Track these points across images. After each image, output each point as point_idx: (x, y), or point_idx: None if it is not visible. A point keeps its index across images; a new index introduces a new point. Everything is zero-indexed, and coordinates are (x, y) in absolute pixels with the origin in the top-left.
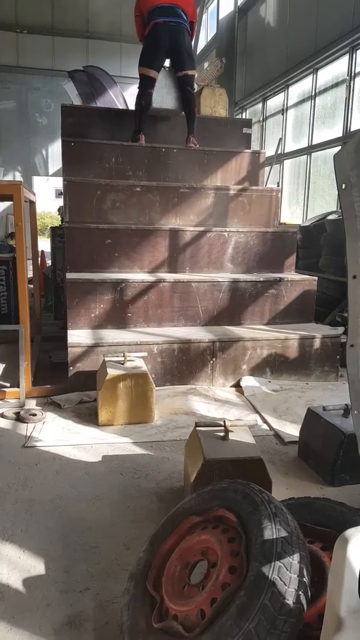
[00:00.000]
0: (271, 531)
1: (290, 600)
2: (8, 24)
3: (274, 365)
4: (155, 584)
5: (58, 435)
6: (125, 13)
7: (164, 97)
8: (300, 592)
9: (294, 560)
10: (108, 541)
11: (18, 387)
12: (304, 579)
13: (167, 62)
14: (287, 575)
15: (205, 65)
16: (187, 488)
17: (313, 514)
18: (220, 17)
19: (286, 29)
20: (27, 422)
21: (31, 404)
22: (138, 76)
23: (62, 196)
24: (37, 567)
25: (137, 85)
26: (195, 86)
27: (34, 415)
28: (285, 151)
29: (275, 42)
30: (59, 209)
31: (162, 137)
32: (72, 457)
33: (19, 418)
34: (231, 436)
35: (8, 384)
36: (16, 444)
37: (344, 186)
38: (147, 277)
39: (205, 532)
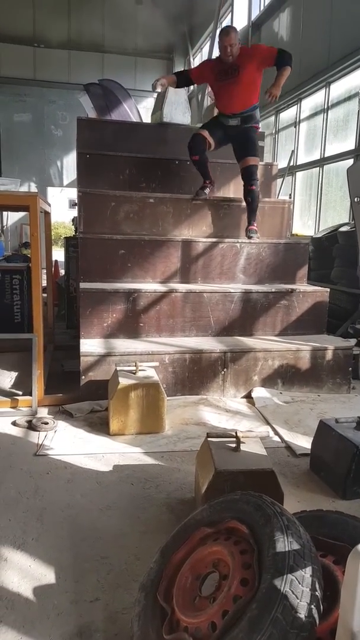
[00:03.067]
0: (283, 544)
1: (302, 614)
2: (26, 39)
3: (286, 376)
4: (166, 595)
5: (69, 444)
6: (141, 28)
7: (172, 112)
8: (312, 606)
9: (306, 573)
10: (118, 551)
11: (30, 395)
12: (317, 593)
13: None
14: (299, 588)
15: None
16: (198, 499)
17: (325, 527)
18: None
19: (299, 43)
20: (38, 431)
21: (43, 412)
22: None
23: (77, 207)
24: (47, 576)
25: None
26: (209, 100)
27: (46, 423)
28: (298, 163)
29: None
30: (72, 220)
31: (174, 150)
32: (83, 466)
33: (31, 426)
34: (243, 447)
35: (20, 392)
36: (28, 452)
37: (357, 199)
38: (159, 287)
39: (217, 544)
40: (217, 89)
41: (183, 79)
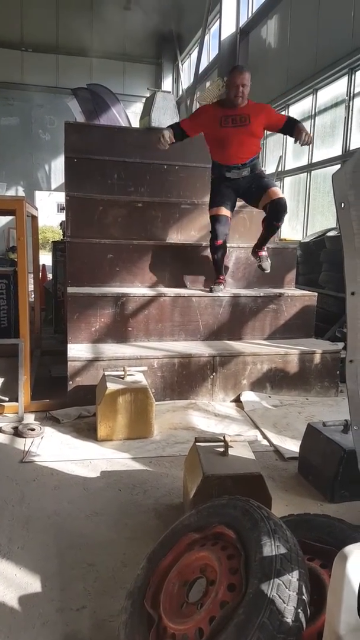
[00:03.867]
0: (270, 548)
1: (289, 619)
2: (14, 42)
3: (274, 380)
4: (153, 602)
5: (56, 450)
6: (129, 33)
7: (160, 117)
8: (299, 610)
9: (293, 577)
10: (105, 558)
11: (17, 401)
12: (303, 597)
13: (165, 87)
14: (286, 592)
15: (207, 84)
16: (186, 504)
17: (312, 531)
18: (222, 38)
19: (287, 50)
20: (25, 437)
21: (30, 418)
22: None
23: (64, 211)
24: (33, 584)
25: None
26: (197, 104)
27: (33, 430)
28: (286, 169)
29: (275, 63)
30: (60, 224)
31: (162, 154)
32: (71, 473)
33: (17, 433)
34: (231, 452)
35: (7, 398)
36: (14, 459)
37: (342, 205)
38: (147, 292)
39: (204, 549)
40: (221, 136)
41: (179, 135)
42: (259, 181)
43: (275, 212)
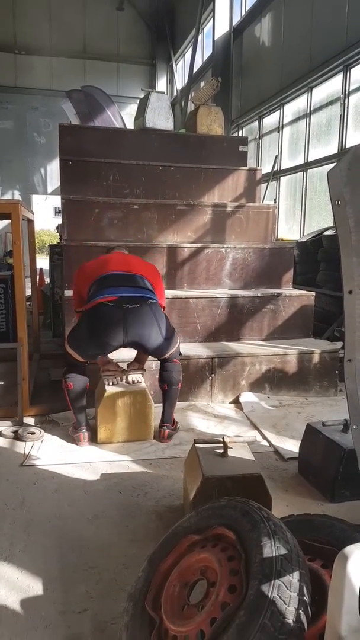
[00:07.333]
0: (270, 549)
1: (290, 620)
2: (7, 45)
3: (273, 380)
4: (154, 604)
5: (56, 453)
6: (123, 34)
7: (155, 117)
8: (300, 611)
9: (294, 578)
10: (107, 561)
11: (16, 405)
12: (304, 598)
13: (159, 87)
14: (287, 593)
15: (202, 84)
16: (186, 506)
17: (313, 531)
18: (215, 37)
19: (281, 49)
20: (25, 441)
21: (29, 422)
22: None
23: (61, 214)
24: (35, 587)
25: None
26: (192, 105)
27: (32, 433)
28: (282, 168)
29: (270, 62)
30: (57, 227)
31: (158, 156)
32: (71, 476)
33: (17, 436)
34: (230, 453)
35: (6, 403)
36: (14, 462)
37: (337, 202)
38: None
39: (205, 551)
40: None
41: None
42: None
43: None
